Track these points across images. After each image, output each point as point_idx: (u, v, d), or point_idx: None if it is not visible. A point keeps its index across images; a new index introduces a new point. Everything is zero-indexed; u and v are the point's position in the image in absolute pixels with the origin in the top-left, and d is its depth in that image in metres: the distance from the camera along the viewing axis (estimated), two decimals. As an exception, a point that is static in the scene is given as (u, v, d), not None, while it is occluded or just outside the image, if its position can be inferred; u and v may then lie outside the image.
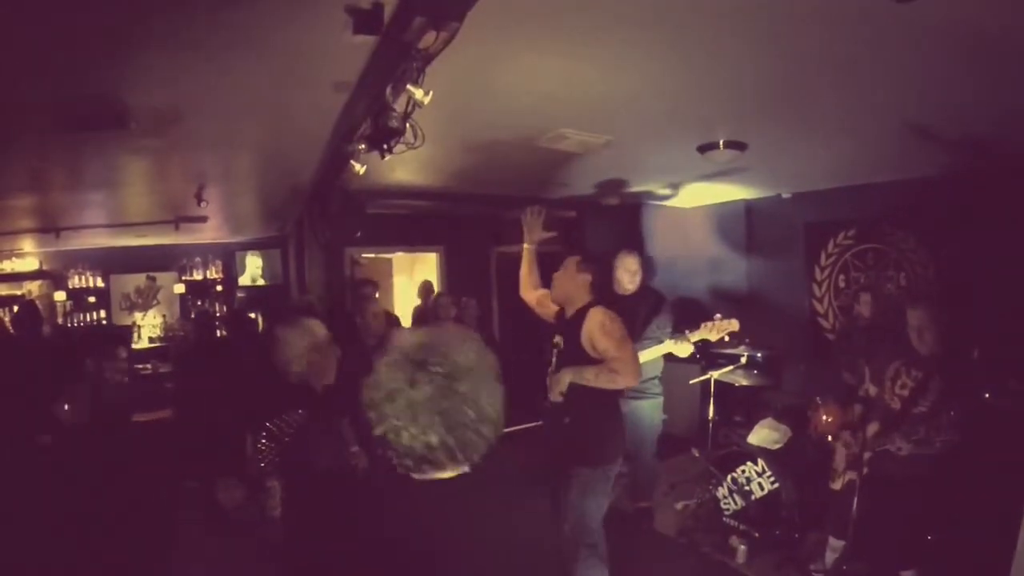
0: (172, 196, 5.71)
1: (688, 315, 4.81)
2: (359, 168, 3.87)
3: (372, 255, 8.92)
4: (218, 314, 8.20)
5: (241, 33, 2.38)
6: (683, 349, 4.42)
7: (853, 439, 3.65)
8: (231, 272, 8.59)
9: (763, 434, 4.66)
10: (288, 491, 2.51)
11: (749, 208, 6.72)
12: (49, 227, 6.67)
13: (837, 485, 3.78)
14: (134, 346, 7.99)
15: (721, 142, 4.15)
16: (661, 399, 4.72)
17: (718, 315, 4.36)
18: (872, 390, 3.66)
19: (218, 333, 7.53)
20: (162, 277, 8.31)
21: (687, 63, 2.88)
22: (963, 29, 2.40)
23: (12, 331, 5.95)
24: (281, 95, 3.09)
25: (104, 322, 7.97)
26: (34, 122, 3.26)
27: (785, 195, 6.31)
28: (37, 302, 6.95)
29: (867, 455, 3.49)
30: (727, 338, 4.36)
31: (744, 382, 5.16)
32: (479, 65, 2.80)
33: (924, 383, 3.40)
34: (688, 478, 5.21)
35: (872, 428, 3.55)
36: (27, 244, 7.34)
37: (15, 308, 6.08)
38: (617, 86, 3.17)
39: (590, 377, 3.23)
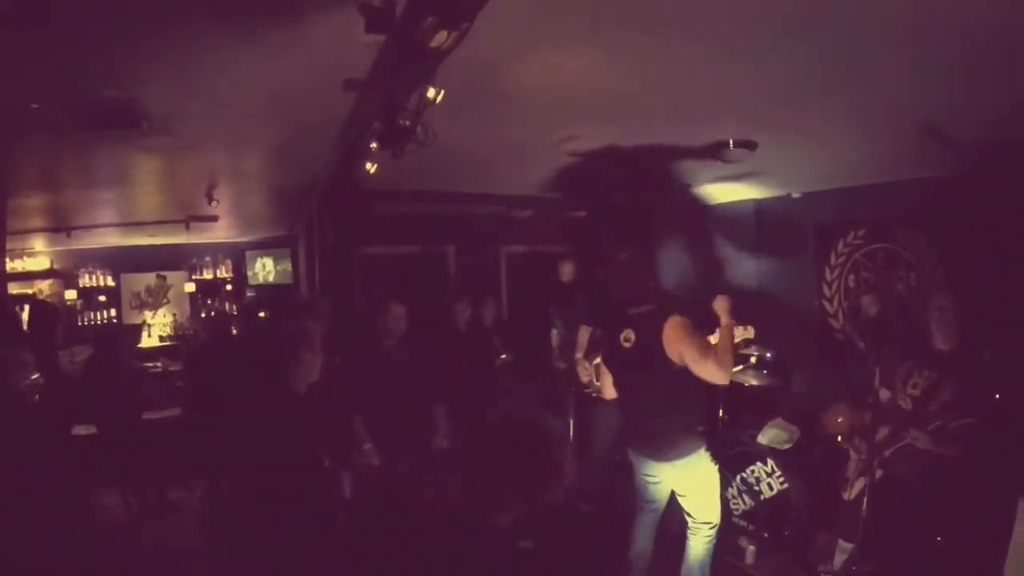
0: (183, 195, 5.74)
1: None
2: (370, 167, 3.88)
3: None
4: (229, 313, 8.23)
5: (253, 32, 2.39)
6: None
7: (863, 445, 3.62)
8: (241, 271, 8.62)
9: (772, 434, 4.62)
10: None
11: (759, 208, 6.68)
12: (60, 226, 6.73)
13: (849, 495, 3.75)
14: (144, 344, 8.07)
15: (731, 141, 4.14)
16: None
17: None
18: (884, 394, 3.62)
19: (231, 332, 7.55)
20: (172, 276, 8.35)
21: (699, 64, 2.87)
22: (975, 29, 2.39)
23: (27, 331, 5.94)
24: (292, 94, 3.09)
25: (114, 320, 8.02)
26: (45, 121, 3.28)
27: (795, 195, 6.27)
28: (53, 300, 6.99)
29: (878, 457, 3.47)
30: (742, 344, 4.32)
31: (754, 382, 5.12)
32: (490, 63, 2.80)
33: (936, 383, 3.38)
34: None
35: (882, 433, 3.52)
36: (38, 243, 7.39)
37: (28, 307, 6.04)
38: (628, 86, 3.17)
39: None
